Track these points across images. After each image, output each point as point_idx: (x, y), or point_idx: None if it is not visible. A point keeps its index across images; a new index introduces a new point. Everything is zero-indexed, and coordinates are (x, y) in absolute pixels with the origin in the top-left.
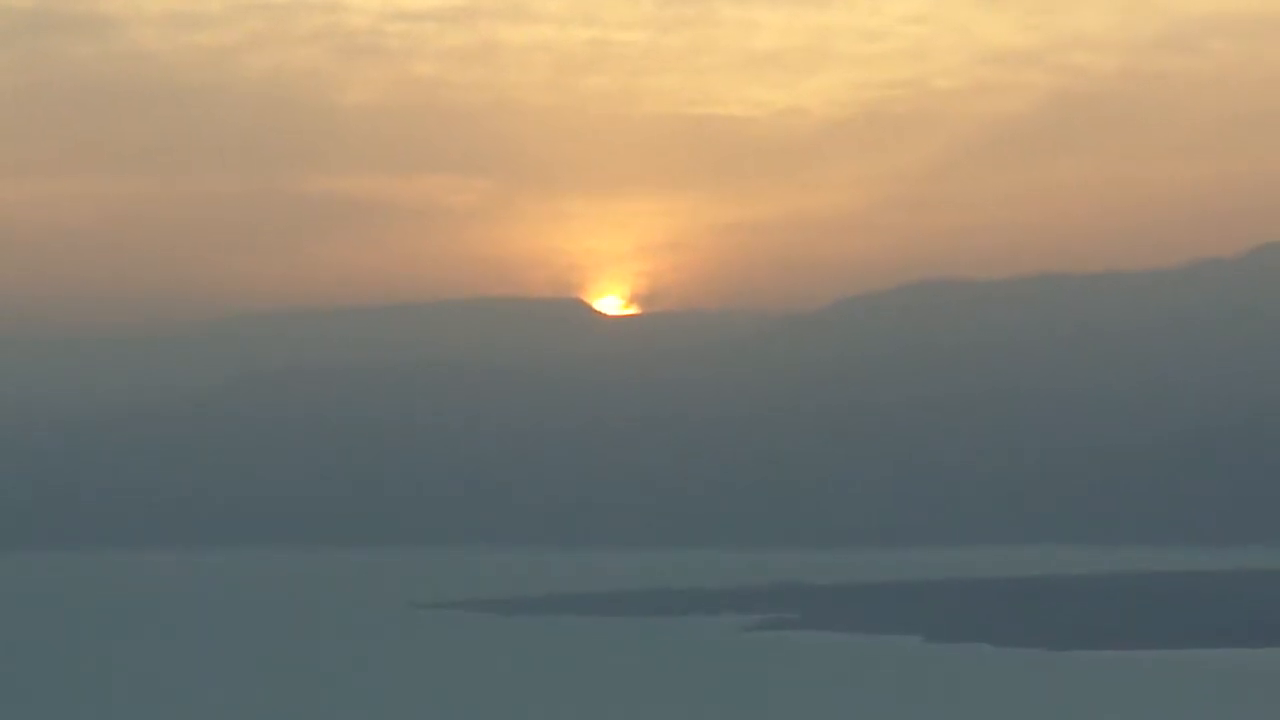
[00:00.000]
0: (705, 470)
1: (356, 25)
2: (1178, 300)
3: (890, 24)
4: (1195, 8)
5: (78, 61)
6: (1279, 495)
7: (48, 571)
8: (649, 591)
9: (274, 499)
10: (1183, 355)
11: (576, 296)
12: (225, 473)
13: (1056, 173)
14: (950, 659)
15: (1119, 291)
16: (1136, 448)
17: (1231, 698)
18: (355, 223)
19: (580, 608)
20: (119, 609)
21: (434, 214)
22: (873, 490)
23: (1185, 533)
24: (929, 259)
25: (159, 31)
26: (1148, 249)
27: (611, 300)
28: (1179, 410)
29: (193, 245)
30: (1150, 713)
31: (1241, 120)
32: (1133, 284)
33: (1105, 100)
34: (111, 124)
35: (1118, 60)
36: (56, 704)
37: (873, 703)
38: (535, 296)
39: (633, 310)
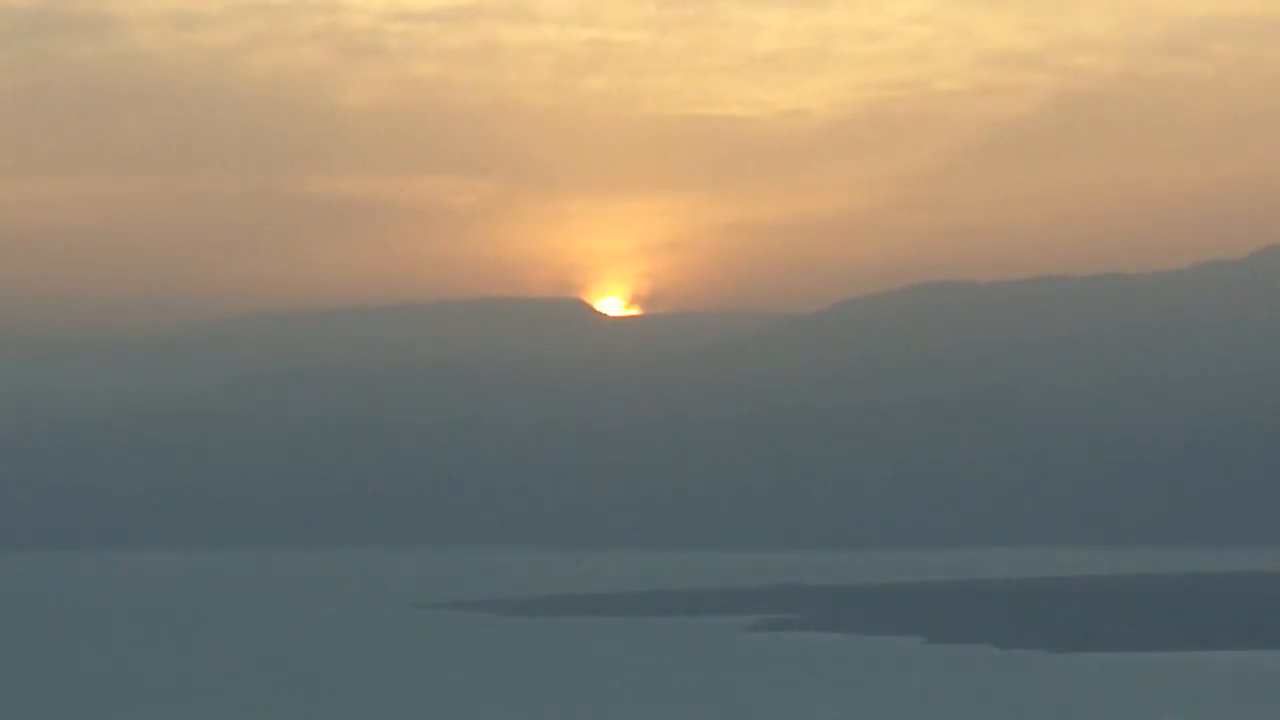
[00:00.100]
0: (706, 471)
1: (357, 25)
2: (1180, 302)
3: (891, 25)
4: (1196, 10)
5: (79, 61)
6: None
7: (48, 572)
8: (649, 592)
9: (274, 499)
10: (1185, 357)
11: (577, 297)
12: (225, 473)
13: (1058, 174)
14: (952, 660)
15: (1121, 293)
16: (1138, 449)
17: (1235, 699)
18: (356, 223)
19: (581, 608)
20: (119, 609)
21: (435, 214)
22: (874, 491)
23: (1188, 534)
24: (930, 260)
25: (160, 31)
26: (1150, 251)
27: (612, 301)
28: (1182, 412)
29: (193, 245)
30: (1152, 715)
31: (1243, 122)
32: (1135, 286)
33: (1107, 102)
34: (112, 124)
35: (1119, 62)
36: (57, 704)
37: (874, 704)
38: (536, 297)
39: (633, 311)
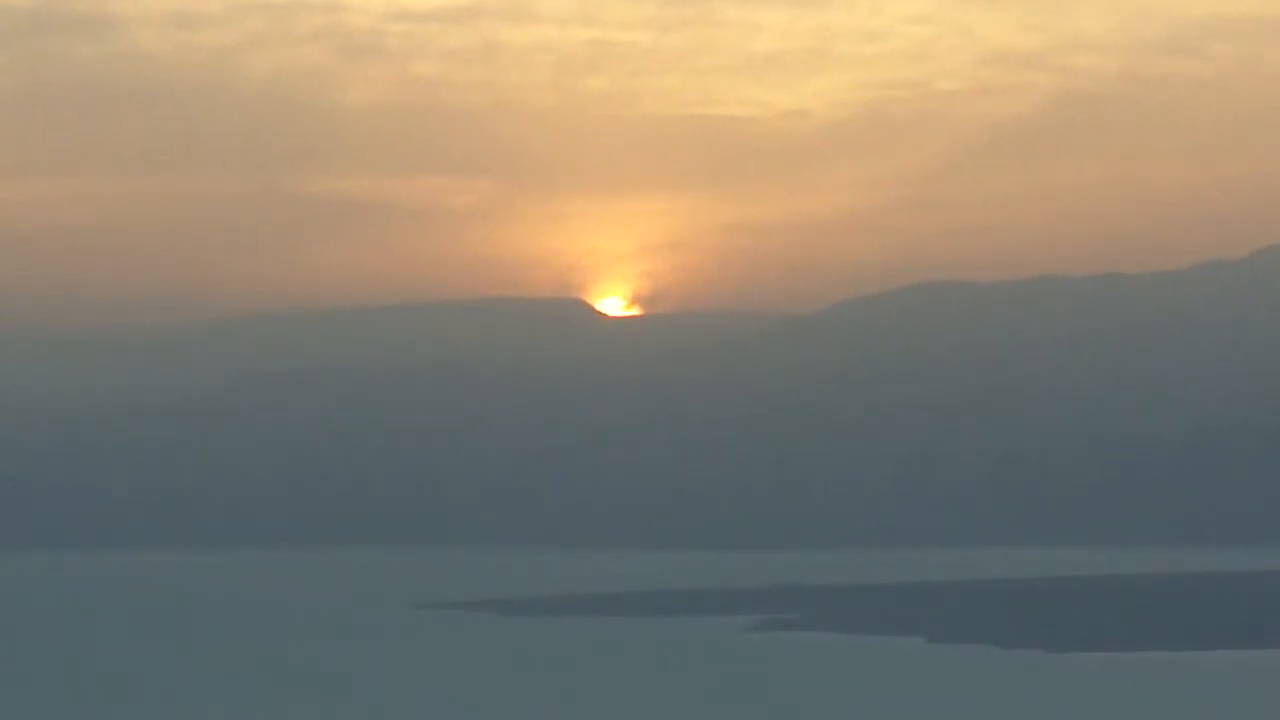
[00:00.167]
0: (706, 471)
1: (357, 25)
2: (1180, 302)
3: (892, 25)
4: (1196, 10)
5: (78, 61)
6: None
7: (48, 571)
8: (650, 592)
9: (274, 499)
10: (1185, 357)
11: (577, 297)
12: (225, 473)
13: (1058, 174)
14: (952, 660)
15: (1121, 293)
16: (1139, 449)
17: (1234, 699)
18: (356, 223)
19: (581, 608)
20: (118, 609)
21: (435, 214)
22: (874, 491)
23: (1188, 534)
24: (930, 260)
25: (159, 31)
26: (1150, 251)
27: (612, 301)
28: (1182, 412)
29: (193, 245)
30: (1152, 715)
31: (1243, 122)
32: (1135, 286)
33: (1107, 102)
34: (112, 124)
35: (1119, 62)
36: (57, 703)
37: (874, 704)
38: (536, 297)
39: (634, 311)
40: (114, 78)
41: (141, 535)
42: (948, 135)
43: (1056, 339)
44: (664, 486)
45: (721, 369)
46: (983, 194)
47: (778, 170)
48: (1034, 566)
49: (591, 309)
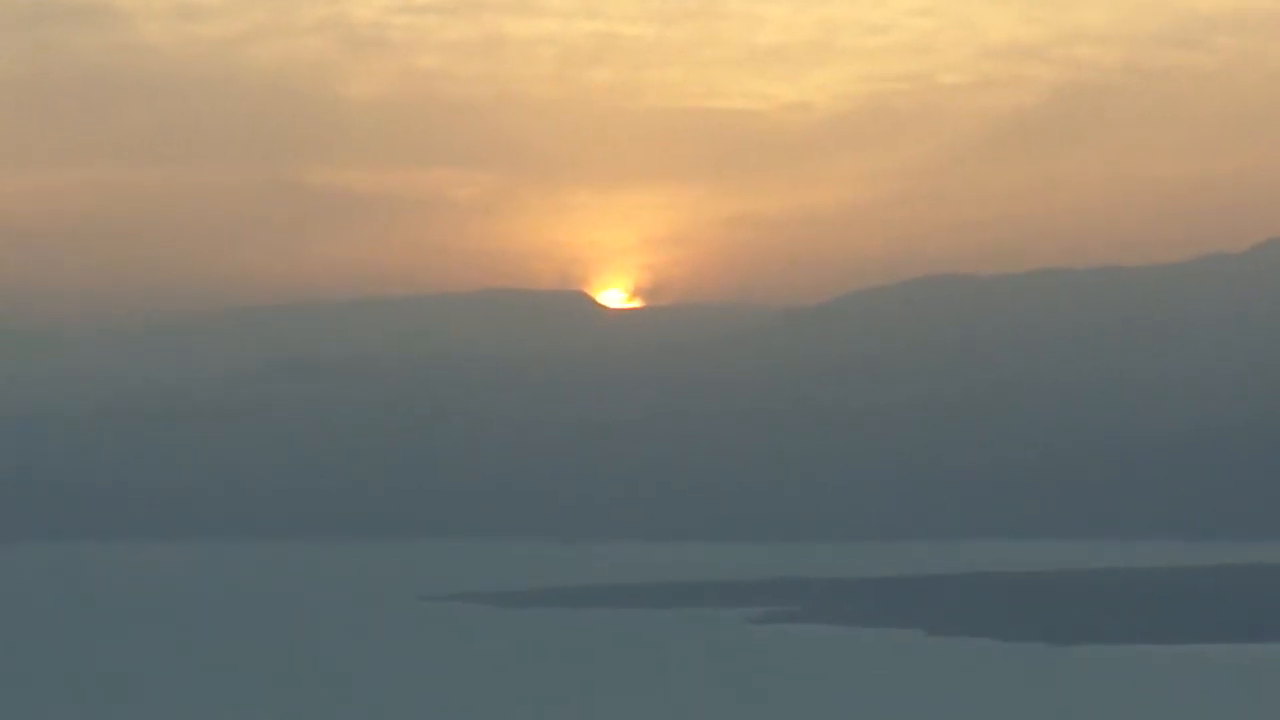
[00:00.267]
0: (708, 463)
1: (360, 17)
2: (1182, 295)
3: (895, 18)
4: (1199, 3)
5: (81, 52)
6: None
7: (56, 564)
8: (652, 585)
9: (276, 492)
10: (1186, 350)
11: (580, 289)
12: (227, 465)
13: (1061, 167)
14: (952, 653)
15: (1123, 286)
16: (1140, 443)
17: (1233, 692)
18: (359, 215)
19: (584, 601)
20: (121, 602)
21: (438, 206)
22: (875, 484)
23: (1188, 528)
24: (933, 253)
25: (163, 23)
26: (1152, 244)
27: (615, 293)
28: (1183, 405)
29: (195, 237)
30: (1151, 707)
31: (1246, 115)
32: (1137, 279)
33: (1110, 95)
34: (115, 115)
35: (1122, 55)
36: (67, 694)
37: (875, 696)
38: (539, 289)
39: (636, 303)
40: (117, 69)
41: (142, 527)
42: (950, 128)
43: (1058, 332)
44: (666, 479)
45: (723, 362)
46: (985, 187)
47: (780, 163)
48: (1034, 560)
49: (594, 301)
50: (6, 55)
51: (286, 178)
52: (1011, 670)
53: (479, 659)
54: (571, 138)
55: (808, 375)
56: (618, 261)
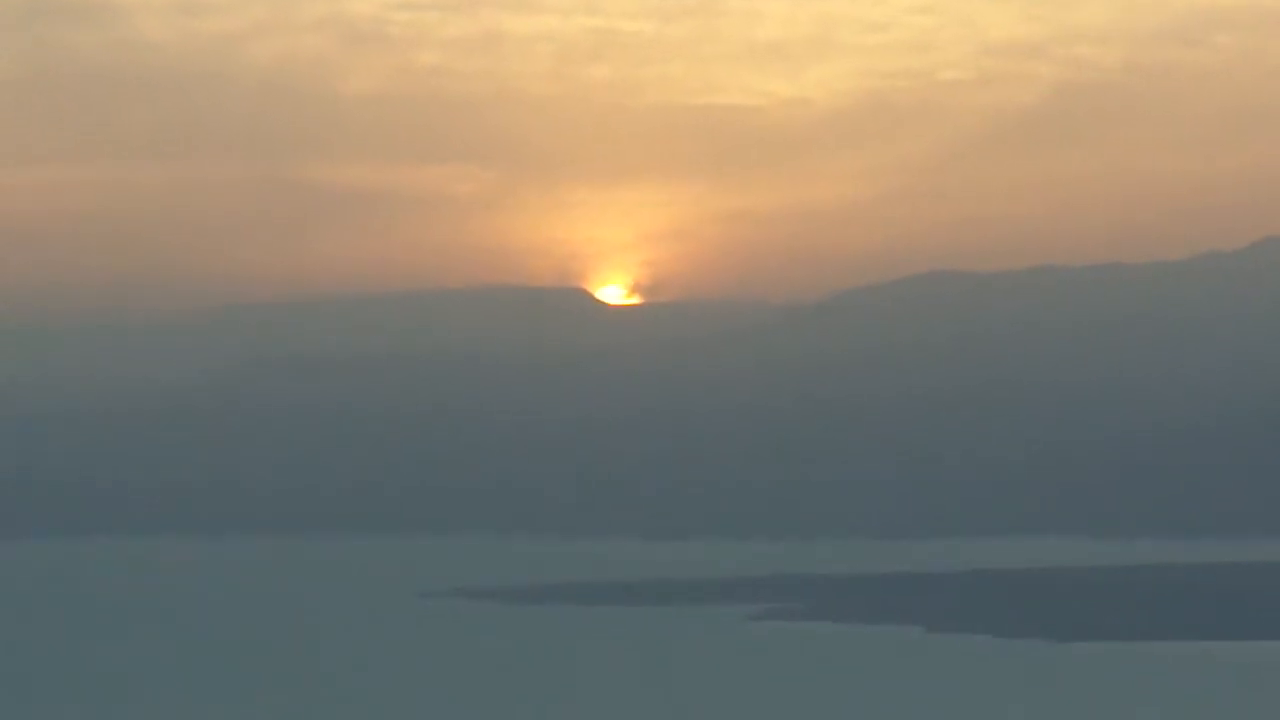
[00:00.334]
0: (707, 460)
1: (360, 13)
2: (1180, 292)
3: (895, 14)
4: (1199, 1)
5: (80, 49)
6: None
7: (57, 562)
8: (651, 581)
9: (274, 488)
10: (1185, 348)
11: (579, 286)
12: (226, 461)
13: (1060, 164)
14: (952, 650)
15: (1121, 283)
16: (1139, 440)
17: (1233, 690)
18: (358, 211)
19: (582, 597)
20: (121, 598)
21: (436, 203)
22: (875, 481)
23: (1188, 525)
24: (932, 250)
25: (162, 19)
26: (1150, 241)
27: (614, 290)
28: (1181, 402)
29: (195, 233)
30: (1151, 705)
31: (1245, 113)
32: (1135, 276)
33: (1109, 92)
34: (114, 112)
35: (1122, 52)
36: (67, 693)
37: (875, 692)
38: (537, 286)
39: (635, 300)
40: (116, 65)
41: (142, 524)
42: (950, 125)
43: (1057, 329)
44: (665, 475)
45: (722, 358)
46: (984, 184)
47: (780, 159)
48: (1033, 557)
49: (593, 298)
50: (5, 52)
51: (286, 174)
52: (1011, 667)
53: (479, 656)
54: (571, 134)
55: (807, 371)
56: (617, 258)
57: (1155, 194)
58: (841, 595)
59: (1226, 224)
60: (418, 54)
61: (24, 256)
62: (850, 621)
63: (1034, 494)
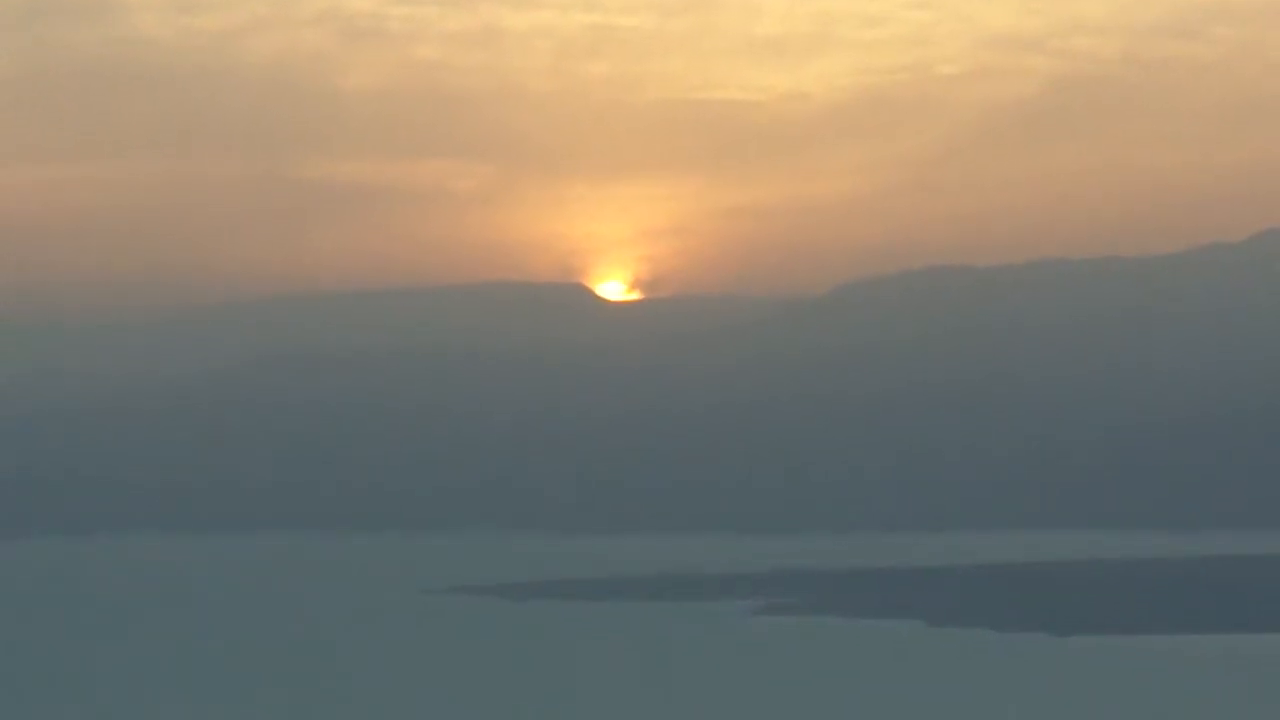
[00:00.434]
0: (708, 456)
1: (359, 9)
2: (1180, 285)
3: (892, 9)
4: None
5: (80, 46)
6: None
7: (57, 559)
8: (653, 577)
9: (275, 485)
10: (1185, 340)
11: (579, 281)
12: (227, 458)
13: (1059, 158)
14: (952, 644)
15: (1121, 277)
16: (1139, 433)
17: (1232, 683)
18: (357, 207)
19: (584, 593)
20: (125, 595)
21: (436, 198)
22: (875, 475)
23: (1187, 518)
24: (931, 244)
25: (161, 16)
26: (1150, 234)
27: (613, 285)
28: (1182, 395)
29: (194, 230)
30: (1150, 697)
31: (1244, 106)
32: (1135, 269)
33: (1107, 85)
34: (114, 109)
35: (1120, 45)
36: (67, 691)
37: (875, 687)
38: (537, 281)
39: (635, 295)
40: (115, 62)
41: (142, 521)
42: (948, 119)
43: (1057, 322)
44: (665, 471)
45: (722, 353)
46: (983, 178)
47: (778, 154)
48: (1033, 551)
49: (592, 293)
50: (5, 50)
51: (285, 170)
52: (1011, 661)
53: (480, 652)
54: (570, 129)
55: (807, 366)
56: (616, 253)
57: (1155, 187)
58: (842, 590)
59: (1226, 216)
60: (417, 49)
61: (24, 254)
62: (851, 616)
63: (1034, 488)
